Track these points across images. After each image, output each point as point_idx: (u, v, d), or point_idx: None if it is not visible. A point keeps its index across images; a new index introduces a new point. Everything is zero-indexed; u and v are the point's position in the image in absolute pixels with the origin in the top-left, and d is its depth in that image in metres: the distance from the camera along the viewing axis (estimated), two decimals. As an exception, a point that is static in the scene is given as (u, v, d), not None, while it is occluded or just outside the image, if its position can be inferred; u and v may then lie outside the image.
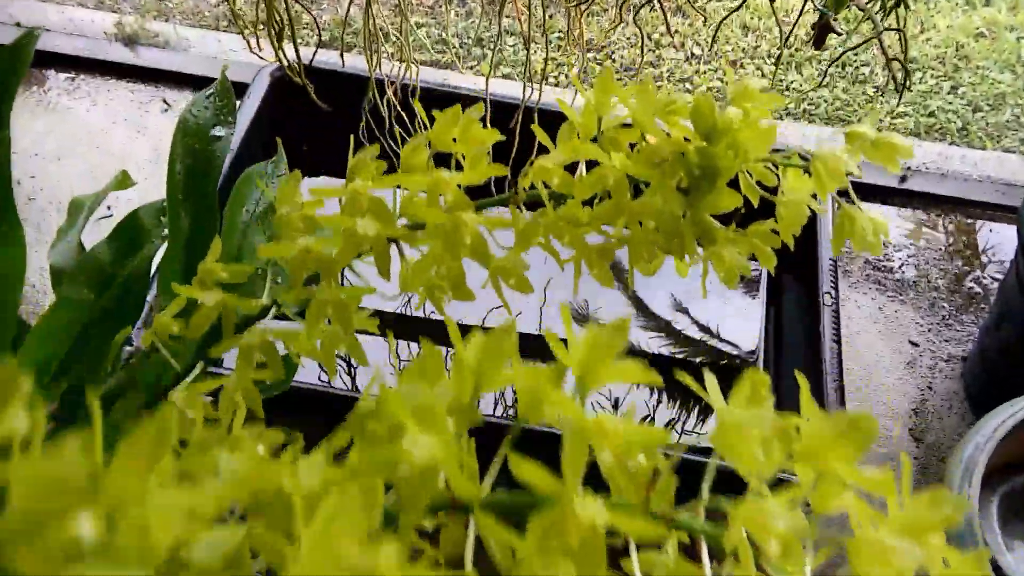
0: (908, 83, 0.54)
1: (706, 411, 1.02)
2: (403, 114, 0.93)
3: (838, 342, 0.89)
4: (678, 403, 1.03)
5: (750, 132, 0.33)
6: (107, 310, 0.57)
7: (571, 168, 0.35)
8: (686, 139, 0.34)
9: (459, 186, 0.34)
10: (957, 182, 1.17)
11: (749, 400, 0.21)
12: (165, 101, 1.25)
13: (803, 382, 0.23)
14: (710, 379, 0.24)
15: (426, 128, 0.92)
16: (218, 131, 0.57)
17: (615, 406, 1.04)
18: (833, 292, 0.92)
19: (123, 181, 0.74)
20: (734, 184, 0.34)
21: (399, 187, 0.35)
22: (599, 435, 0.19)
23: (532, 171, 0.33)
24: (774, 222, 0.35)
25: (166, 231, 0.60)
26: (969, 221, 1.16)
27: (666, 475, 0.20)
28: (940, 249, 1.14)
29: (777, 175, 0.36)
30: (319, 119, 1.04)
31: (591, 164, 0.35)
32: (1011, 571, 0.64)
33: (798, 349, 0.93)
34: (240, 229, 0.63)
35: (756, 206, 0.36)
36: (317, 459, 0.20)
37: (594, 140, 0.36)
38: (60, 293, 0.55)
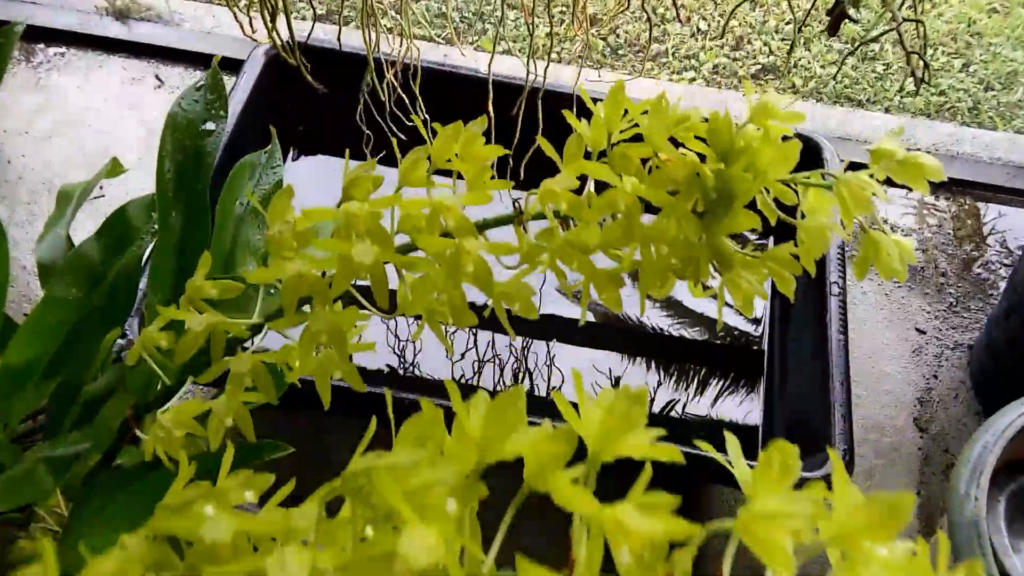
0: (928, 77, 0.52)
1: (703, 385, 1.00)
2: (403, 96, 0.91)
3: (845, 333, 0.87)
4: (675, 378, 1.02)
5: (770, 151, 0.31)
6: (97, 309, 0.55)
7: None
8: (700, 156, 0.32)
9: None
10: (967, 164, 1.15)
11: (778, 478, 0.20)
12: (158, 77, 1.22)
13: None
14: (732, 443, 0.22)
15: (426, 112, 0.89)
16: (209, 125, 0.55)
17: (615, 384, 1.03)
18: (841, 282, 0.90)
19: (114, 168, 0.72)
20: (750, 202, 0.32)
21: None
22: (618, 532, 0.17)
23: (539, 194, 0.31)
24: (792, 245, 0.33)
25: (156, 227, 0.58)
26: (979, 205, 1.13)
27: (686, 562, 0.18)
28: (948, 234, 1.12)
29: (794, 189, 0.34)
30: (316, 99, 1.02)
31: (601, 182, 0.33)
32: (1017, 573, 0.63)
33: (804, 331, 0.91)
34: (234, 222, 0.61)
35: (773, 225, 0.34)
36: (304, 556, 0.18)
37: (602, 154, 0.34)
38: (49, 291, 0.54)
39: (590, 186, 0.34)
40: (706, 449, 0.21)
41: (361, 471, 0.23)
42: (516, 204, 0.34)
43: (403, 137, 0.95)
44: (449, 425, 0.22)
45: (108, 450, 0.50)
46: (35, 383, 0.55)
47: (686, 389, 1.01)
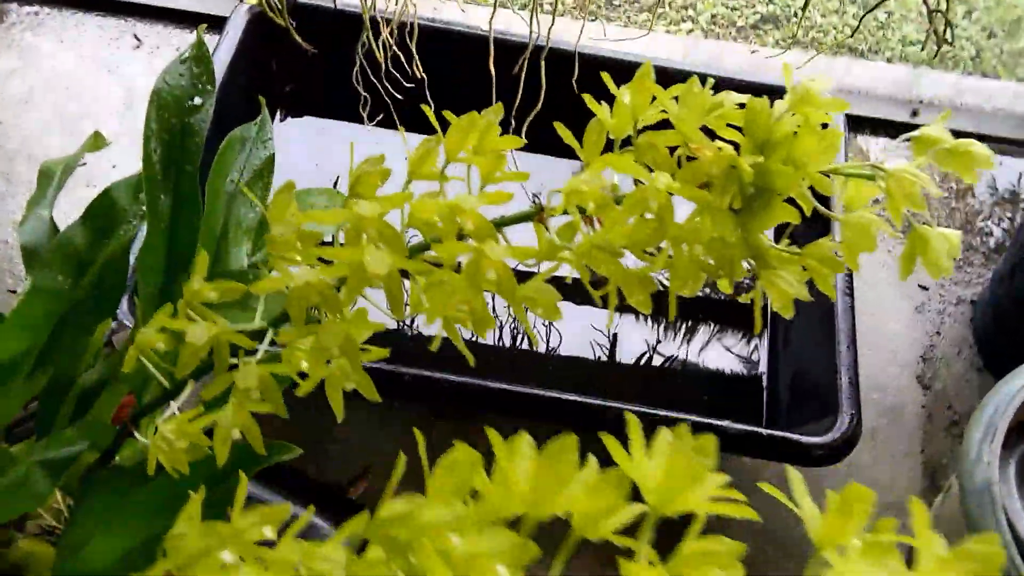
0: (952, 37, 0.49)
1: (706, 343, 0.99)
2: (399, 54, 0.87)
3: (851, 295, 0.86)
4: (676, 335, 1.00)
5: (811, 141, 0.29)
6: (85, 297, 0.52)
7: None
8: (733, 145, 0.30)
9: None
10: (971, 115, 1.12)
11: (849, 527, 0.18)
12: (136, 36, 1.17)
13: (918, 509, 0.20)
14: (797, 481, 0.21)
15: (423, 73, 0.85)
16: (196, 101, 0.52)
17: (613, 344, 1.01)
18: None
19: (96, 142, 0.69)
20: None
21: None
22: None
23: (565, 194, 0.29)
24: (829, 239, 0.31)
25: (144, 208, 0.55)
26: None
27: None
28: (951, 187, 1.10)
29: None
30: (304, 58, 0.98)
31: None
32: None
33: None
34: (224, 201, 0.59)
35: (808, 216, 0.32)
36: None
37: (625, 142, 0.32)
38: (34, 281, 0.51)
39: (613, 178, 0.31)
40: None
41: (395, 519, 0.21)
42: (536, 200, 0.32)
43: (399, 97, 0.92)
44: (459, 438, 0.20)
45: (106, 448, 0.48)
46: (24, 377, 0.53)
47: (688, 345, 0.99)
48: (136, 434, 0.41)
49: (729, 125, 0.31)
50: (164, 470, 0.45)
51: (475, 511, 0.19)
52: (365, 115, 0.90)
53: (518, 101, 0.78)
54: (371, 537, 0.21)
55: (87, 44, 1.15)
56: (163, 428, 0.35)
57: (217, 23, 1.16)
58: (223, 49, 0.96)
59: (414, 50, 0.87)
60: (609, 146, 0.32)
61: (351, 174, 0.32)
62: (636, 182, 0.31)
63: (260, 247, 0.61)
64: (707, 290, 1.03)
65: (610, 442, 0.19)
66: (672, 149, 0.31)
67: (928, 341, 1.00)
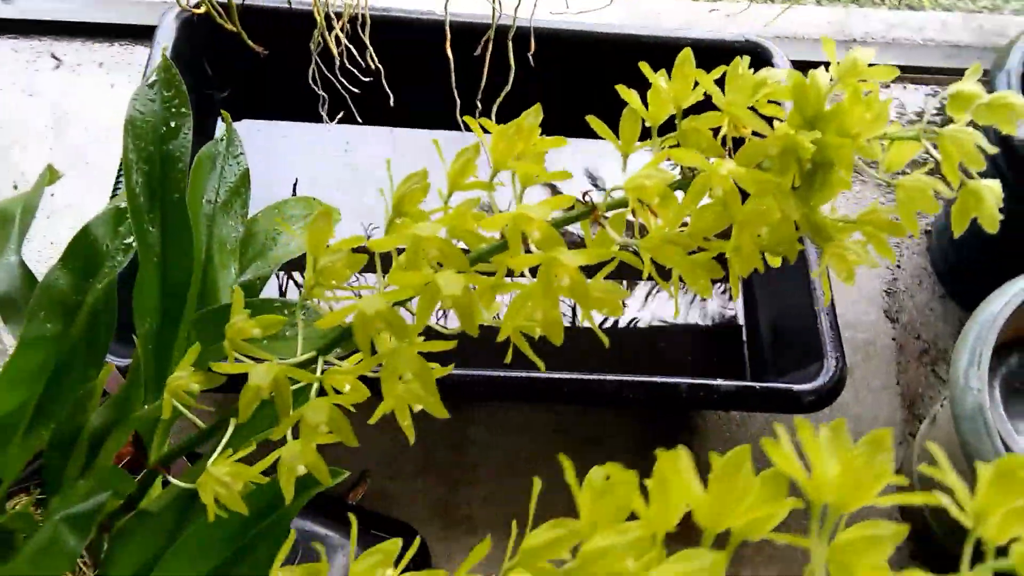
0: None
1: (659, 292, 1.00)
2: (349, 47, 0.85)
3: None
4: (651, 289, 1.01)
5: (860, 112, 0.29)
6: (77, 343, 0.50)
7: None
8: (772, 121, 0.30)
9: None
10: (903, 49, 1.15)
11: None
12: (54, 56, 1.12)
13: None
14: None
15: (379, 64, 0.83)
16: (172, 124, 0.50)
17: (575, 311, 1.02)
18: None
19: (50, 176, 0.66)
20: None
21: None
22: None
23: (628, 188, 0.28)
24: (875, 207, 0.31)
25: (127, 240, 0.53)
26: (919, 88, 1.14)
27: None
28: (892, 122, 1.13)
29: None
30: (240, 60, 0.95)
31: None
32: (1026, 456, 0.65)
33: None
34: (205, 223, 0.56)
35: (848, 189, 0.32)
36: None
37: (663, 128, 0.32)
38: (24, 332, 0.48)
39: (655, 162, 0.31)
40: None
41: (548, 545, 0.21)
42: (585, 197, 0.31)
43: (355, 91, 0.89)
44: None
45: (130, 495, 0.46)
46: (23, 433, 0.50)
47: (663, 306, 1.00)
48: (170, 478, 0.40)
49: (770, 102, 0.31)
50: (200, 514, 0.44)
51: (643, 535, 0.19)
52: (324, 112, 0.87)
53: (483, 83, 0.77)
54: (523, 565, 0.21)
55: (3, 69, 1.09)
56: (215, 470, 0.34)
57: (142, 33, 1.12)
58: (154, 62, 0.92)
59: (367, 41, 0.85)
60: (645, 134, 0.32)
61: (394, 195, 0.31)
62: (683, 171, 0.30)
63: (246, 266, 0.60)
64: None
65: (771, 447, 0.19)
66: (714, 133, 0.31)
67: (890, 275, 1.03)
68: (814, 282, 0.84)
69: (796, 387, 0.78)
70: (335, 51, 0.78)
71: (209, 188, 0.58)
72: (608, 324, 0.98)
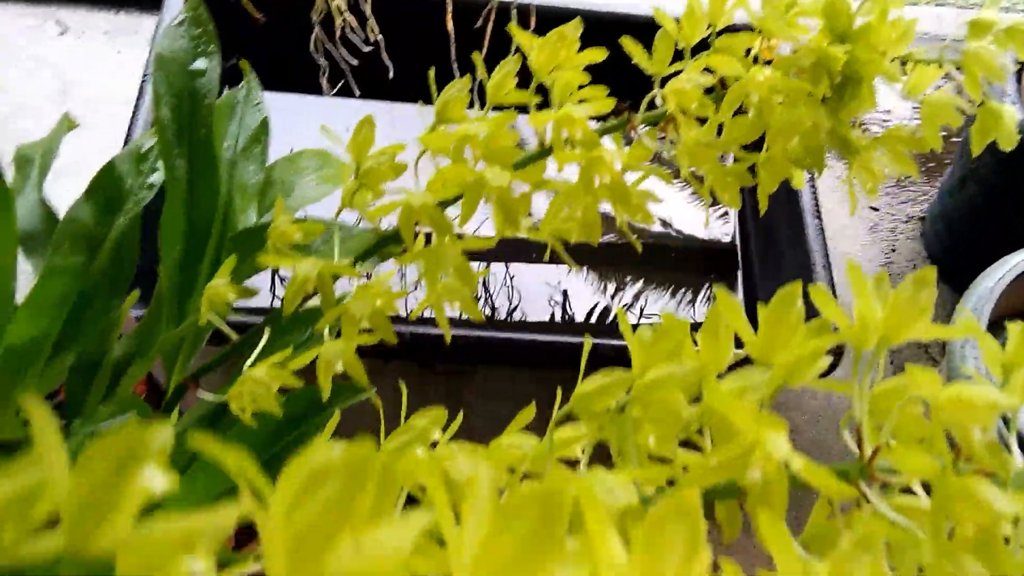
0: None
1: (675, 294, 1.01)
2: (350, 19, 0.86)
3: (819, 217, 0.89)
4: (644, 295, 1.02)
5: (886, 30, 0.31)
6: (101, 275, 0.51)
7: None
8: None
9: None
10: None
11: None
12: (59, 23, 1.12)
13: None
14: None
15: (380, 34, 0.83)
16: (200, 64, 0.51)
17: (566, 298, 1.03)
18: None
19: (68, 124, 0.66)
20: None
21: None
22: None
23: (668, 94, 0.30)
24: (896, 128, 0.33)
25: (150, 180, 0.54)
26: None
27: None
28: (888, 110, 1.15)
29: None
30: (248, 28, 0.95)
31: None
32: None
33: (780, 227, 0.93)
34: (226, 167, 0.57)
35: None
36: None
37: (695, 49, 0.33)
38: (49, 262, 0.49)
39: (689, 79, 0.32)
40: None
41: (596, 391, 0.22)
42: (620, 106, 0.33)
43: (354, 62, 0.90)
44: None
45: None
46: (45, 361, 0.51)
47: (658, 295, 1.01)
48: (201, 392, 0.41)
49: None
50: (224, 428, 0.45)
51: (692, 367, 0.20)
52: (324, 81, 0.88)
53: (484, 53, 0.78)
54: (579, 412, 0.22)
55: (9, 35, 1.09)
56: (255, 372, 0.35)
57: (148, 3, 1.13)
58: (165, 21, 0.93)
59: (368, 12, 0.86)
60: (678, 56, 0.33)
61: (437, 102, 0.32)
62: (721, 84, 0.32)
63: (264, 212, 0.60)
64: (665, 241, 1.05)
65: (820, 296, 0.20)
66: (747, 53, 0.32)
67: (884, 259, 1.05)
68: (813, 263, 0.86)
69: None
70: (337, 21, 0.79)
71: (229, 134, 0.59)
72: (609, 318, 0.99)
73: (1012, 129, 0.31)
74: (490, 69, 0.84)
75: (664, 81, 0.32)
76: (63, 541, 0.10)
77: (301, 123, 1.03)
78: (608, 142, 0.31)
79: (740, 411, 0.16)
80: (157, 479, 0.10)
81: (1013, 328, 0.21)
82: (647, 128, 0.32)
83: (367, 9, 0.86)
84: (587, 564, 0.10)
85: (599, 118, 0.31)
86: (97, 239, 0.52)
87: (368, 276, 0.34)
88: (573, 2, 0.90)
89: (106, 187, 0.52)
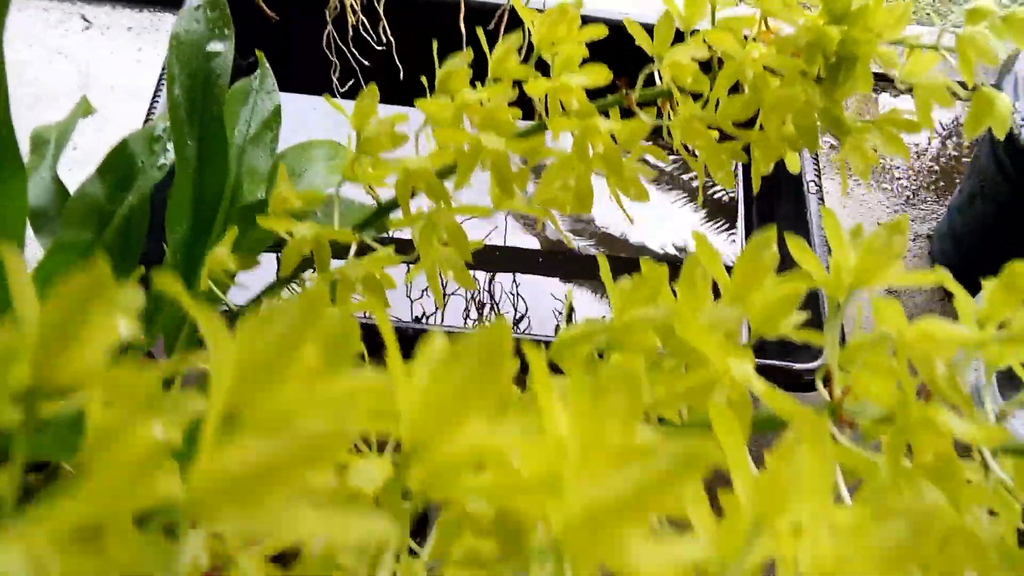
0: None
1: None
2: (363, 20, 0.87)
3: (827, 242, 0.89)
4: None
5: (882, 13, 0.31)
6: (109, 250, 0.52)
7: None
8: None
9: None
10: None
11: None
12: (84, 18, 1.14)
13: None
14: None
15: (391, 37, 0.84)
16: (215, 46, 0.52)
17: (571, 311, 1.03)
18: (817, 180, 0.92)
19: (85, 108, 0.67)
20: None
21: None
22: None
23: (665, 67, 0.30)
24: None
25: (161, 161, 0.54)
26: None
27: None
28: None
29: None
30: (262, 32, 0.97)
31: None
32: (1020, 435, 0.67)
33: (786, 248, 0.93)
34: (236, 152, 0.58)
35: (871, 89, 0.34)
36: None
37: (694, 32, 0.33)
38: (59, 237, 0.50)
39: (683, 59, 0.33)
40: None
41: (579, 336, 0.22)
42: (618, 83, 0.33)
43: (366, 63, 0.91)
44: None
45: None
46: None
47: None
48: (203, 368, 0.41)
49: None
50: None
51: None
52: (335, 77, 0.89)
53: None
54: (559, 359, 0.22)
55: (34, 29, 1.11)
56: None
57: (175, 2, 1.15)
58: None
59: (381, 12, 0.87)
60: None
61: (440, 72, 0.33)
62: (718, 63, 0.32)
63: (272, 198, 0.61)
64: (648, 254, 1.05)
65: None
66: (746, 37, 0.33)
67: (892, 276, 1.05)
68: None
69: (796, 366, 0.80)
70: (351, 19, 0.80)
71: (241, 120, 0.60)
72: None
73: (1005, 115, 0.31)
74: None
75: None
76: (29, 372, 0.10)
77: (310, 124, 1.04)
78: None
79: (708, 340, 0.17)
80: (123, 326, 0.11)
81: (987, 284, 0.22)
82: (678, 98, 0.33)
83: (380, 9, 0.88)
84: (531, 415, 0.10)
85: (597, 94, 0.32)
86: (107, 216, 0.52)
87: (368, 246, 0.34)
88: (586, 9, 0.91)
89: (118, 165, 0.53)
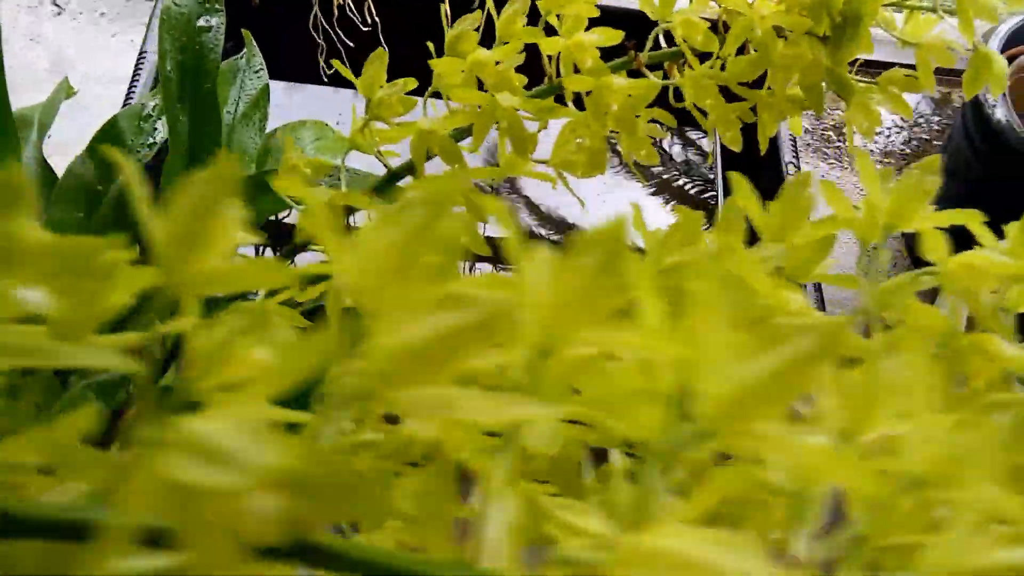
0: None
1: None
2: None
3: (805, 209, 0.91)
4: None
5: (886, -26, 0.32)
6: (99, 231, 0.51)
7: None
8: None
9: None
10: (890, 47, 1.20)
11: None
12: (55, 3, 1.12)
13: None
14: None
15: (375, 18, 0.84)
16: (206, 20, 0.51)
17: None
18: (796, 162, 0.94)
19: (67, 90, 0.67)
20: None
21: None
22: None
23: (676, 25, 0.31)
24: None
25: (150, 140, 0.54)
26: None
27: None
28: (893, 126, 1.17)
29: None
30: (241, 12, 0.96)
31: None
32: None
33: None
34: (226, 132, 0.58)
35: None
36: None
37: None
38: (50, 215, 0.49)
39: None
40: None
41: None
42: (626, 45, 0.33)
43: (351, 44, 0.91)
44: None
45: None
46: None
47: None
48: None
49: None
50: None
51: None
52: (322, 60, 0.89)
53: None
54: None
55: (4, 13, 1.09)
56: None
57: (145, -13, 1.13)
58: (159, 10, 0.93)
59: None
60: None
61: (449, 35, 0.33)
62: (724, 27, 0.33)
63: (263, 176, 0.61)
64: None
65: (825, 187, 0.21)
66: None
67: (866, 257, 1.06)
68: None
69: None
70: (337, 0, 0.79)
71: (230, 100, 0.59)
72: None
73: (1001, 74, 0.32)
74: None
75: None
76: (157, 272, 0.10)
77: (293, 110, 1.04)
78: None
79: (763, 276, 0.17)
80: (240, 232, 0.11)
81: (1009, 228, 0.22)
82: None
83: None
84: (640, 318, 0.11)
85: (604, 59, 0.32)
86: (97, 196, 0.52)
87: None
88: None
89: (108, 143, 0.53)
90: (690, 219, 0.22)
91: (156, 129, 0.54)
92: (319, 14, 0.85)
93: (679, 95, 0.33)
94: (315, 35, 0.87)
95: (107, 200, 0.52)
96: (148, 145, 0.53)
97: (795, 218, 0.20)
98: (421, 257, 0.10)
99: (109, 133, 0.53)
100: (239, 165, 0.55)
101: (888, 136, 1.14)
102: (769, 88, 0.32)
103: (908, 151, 1.15)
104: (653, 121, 0.33)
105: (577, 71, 0.31)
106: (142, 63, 0.86)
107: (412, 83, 0.33)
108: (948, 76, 1.16)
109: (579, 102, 0.32)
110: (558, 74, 0.32)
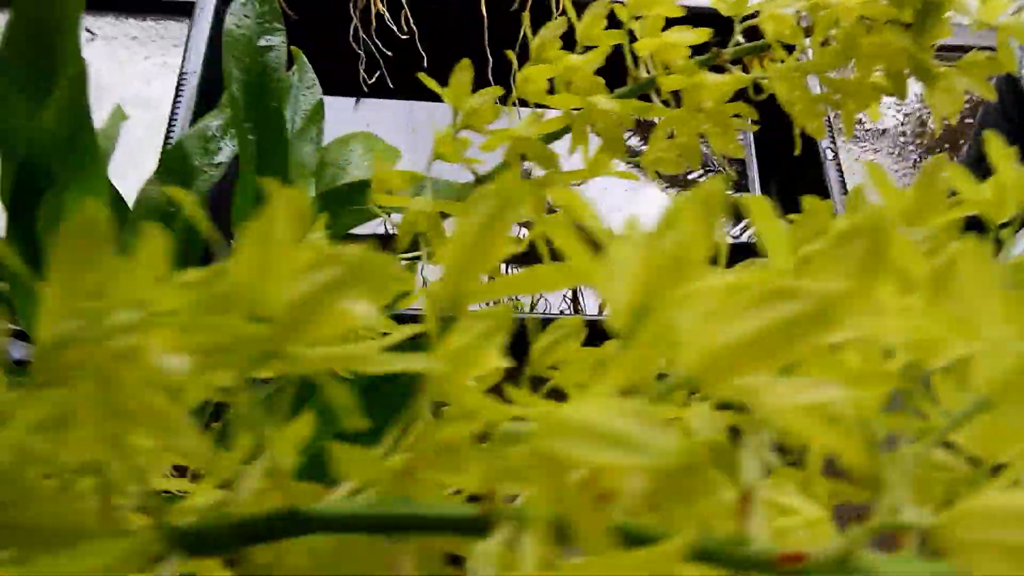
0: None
1: None
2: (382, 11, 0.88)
3: (846, 193, 0.91)
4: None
5: (964, -42, 0.32)
6: (176, 248, 0.52)
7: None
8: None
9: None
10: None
11: None
12: (88, 30, 1.14)
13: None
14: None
15: (413, 26, 0.85)
16: (267, 40, 0.52)
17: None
18: (833, 147, 0.94)
19: (120, 115, 0.68)
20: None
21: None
22: None
23: (765, 20, 0.31)
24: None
25: (216, 160, 0.55)
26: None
27: None
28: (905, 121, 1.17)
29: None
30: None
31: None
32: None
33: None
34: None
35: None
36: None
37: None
38: (125, 240, 0.50)
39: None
40: None
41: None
42: (709, 43, 0.34)
43: (389, 54, 0.92)
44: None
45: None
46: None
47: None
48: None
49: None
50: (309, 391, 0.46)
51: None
52: (362, 69, 0.90)
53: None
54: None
55: (38, 44, 1.11)
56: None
57: (170, 8, 1.15)
58: (194, 38, 0.94)
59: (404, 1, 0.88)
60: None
61: (534, 44, 0.34)
62: (803, 19, 0.33)
63: (324, 187, 0.62)
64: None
65: (874, 168, 0.22)
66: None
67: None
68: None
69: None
70: (375, 9, 0.80)
71: (287, 117, 0.60)
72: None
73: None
74: (524, 59, 0.83)
75: (744, 20, 0.34)
76: (443, 286, 0.11)
77: (331, 125, 1.05)
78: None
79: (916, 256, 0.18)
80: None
81: None
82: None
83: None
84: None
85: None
86: (169, 217, 0.53)
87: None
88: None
89: (175, 167, 0.54)
90: (818, 208, 0.22)
91: (220, 149, 0.55)
92: (358, 24, 0.86)
93: (758, 89, 0.34)
94: (355, 46, 0.88)
95: (179, 221, 0.53)
96: (215, 165, 0.54)
97: (933, 202, 0.21)
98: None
99: (175, 156, 0.54)
100: (300, 181, 0.56)
101: (918, 116, 1.14)
102: (855, 76, 0.33)
103: (942, 131, 1.15)
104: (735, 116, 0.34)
105: (666, 70, 0.31)
106: (183, 85, 0.88)
107: (498, 91, 0.34)
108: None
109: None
110: (642, 75, 0.33)
